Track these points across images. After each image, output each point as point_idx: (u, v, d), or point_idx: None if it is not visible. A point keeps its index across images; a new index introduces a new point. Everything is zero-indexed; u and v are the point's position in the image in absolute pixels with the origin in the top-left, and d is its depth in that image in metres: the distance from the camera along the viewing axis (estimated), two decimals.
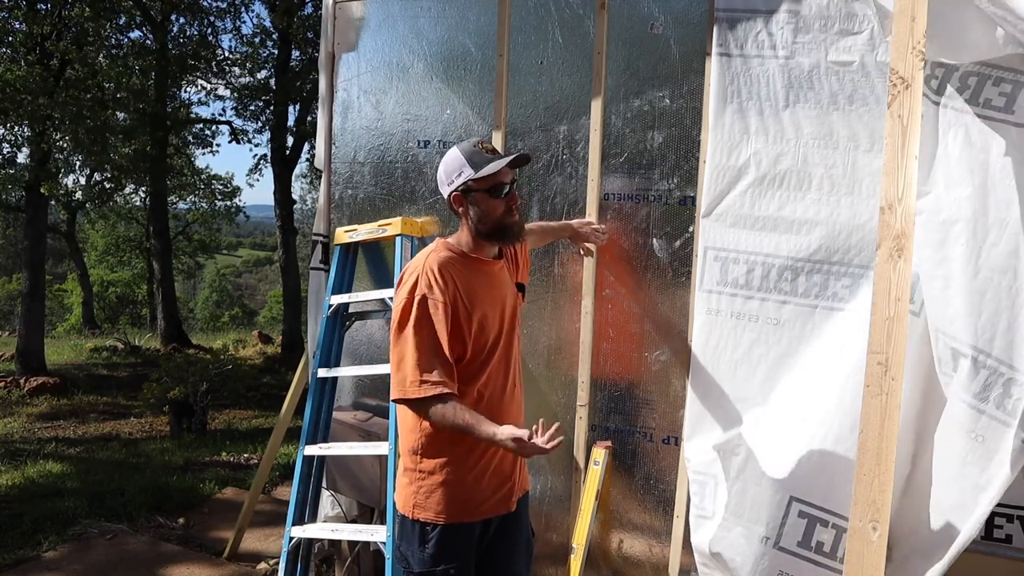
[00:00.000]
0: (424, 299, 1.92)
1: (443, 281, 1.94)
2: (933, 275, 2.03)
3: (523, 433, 1.78)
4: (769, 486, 2.33)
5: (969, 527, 1.90)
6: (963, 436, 1.94)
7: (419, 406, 1.91)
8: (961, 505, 1.94)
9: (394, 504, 2.80)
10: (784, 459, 2.32)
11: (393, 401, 2.00)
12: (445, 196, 2.06)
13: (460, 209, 2.04)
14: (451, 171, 2.00)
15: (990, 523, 2.33)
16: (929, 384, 2.14)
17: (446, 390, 1.88)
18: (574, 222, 2.77)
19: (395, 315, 1.97)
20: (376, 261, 3.34)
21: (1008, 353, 1.91)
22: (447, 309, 1.92)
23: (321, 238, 3.50)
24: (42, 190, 9.94)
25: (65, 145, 10.69)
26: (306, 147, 13.16)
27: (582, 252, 2.81)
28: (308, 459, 3.23)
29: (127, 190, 15.41)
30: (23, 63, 9.46)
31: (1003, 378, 1.91)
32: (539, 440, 1.75)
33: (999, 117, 2.00)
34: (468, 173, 1.97)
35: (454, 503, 2.01)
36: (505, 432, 1.80)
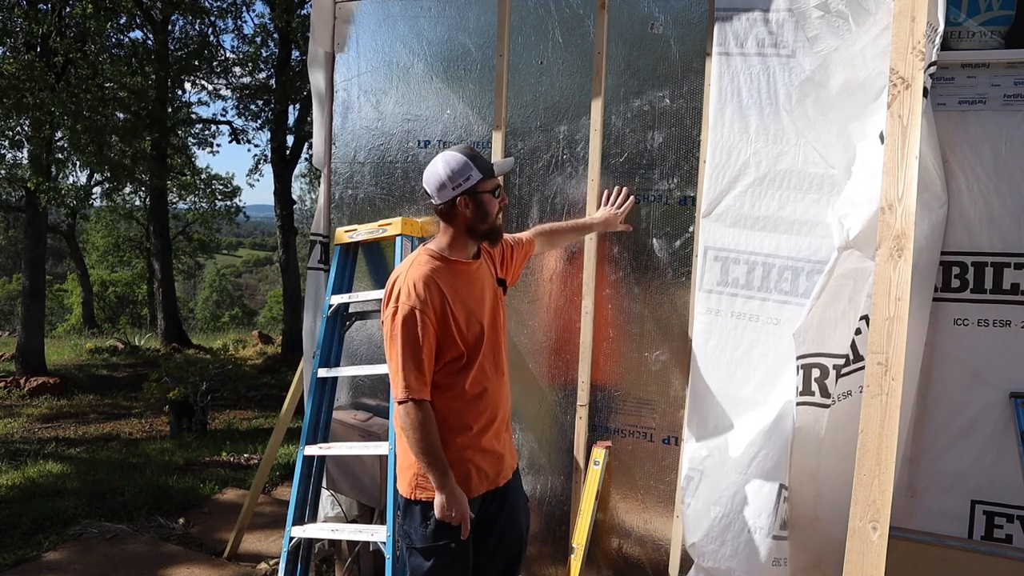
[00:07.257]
0: (408, 312, 2.05)
1: (427, 293, 2.07)
2: None
3: (459, 512, 2.07)
4: (766, 480, 2.33)
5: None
6: None
7: (407, 407, 2.07)
8: None
9: (394, 502, 2.82)
10: (782, 453, 2.32)
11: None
12: (446, 199, 2.12)
13: (463, 211, 2.12)
14: (458, 175, 2.09)
15: (990, 523, 2.33)
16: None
17: (417, 397, 2.06)
18: (598, 216, 2.71)
19: (384, 324, 2.13)
20: (376, 261, 3.34)
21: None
22: (431, 319, 2.06)
23: (320, 238, 3.50)
24: (39, 196, 9.91)
25: (65, 144, 10.67)
26: (306, 147, 13.14)
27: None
28: (308, 459, 3.23)
29: (127, 190, 15.41)
30: (26, 58, 9.43)
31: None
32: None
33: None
34: (477, 176, 2.09)
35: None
36: (450, 493, 2.07)
